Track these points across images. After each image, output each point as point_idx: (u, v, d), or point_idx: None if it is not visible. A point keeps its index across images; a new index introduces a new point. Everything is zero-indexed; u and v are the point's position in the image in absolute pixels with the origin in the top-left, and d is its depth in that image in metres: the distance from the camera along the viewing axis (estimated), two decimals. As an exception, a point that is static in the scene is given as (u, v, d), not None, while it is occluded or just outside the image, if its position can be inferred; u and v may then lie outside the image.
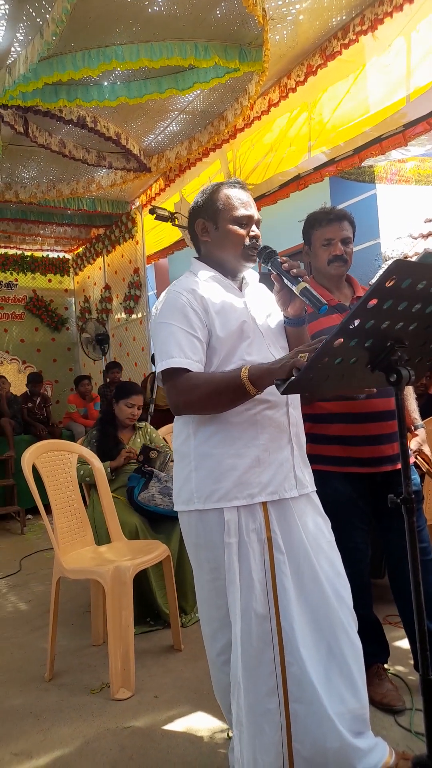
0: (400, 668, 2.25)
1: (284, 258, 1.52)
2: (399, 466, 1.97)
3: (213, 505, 1.48)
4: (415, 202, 5.79)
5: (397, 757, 1.60)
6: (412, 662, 2.23)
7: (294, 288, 1.47)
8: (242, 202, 1.60)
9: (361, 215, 5.47)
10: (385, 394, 1.99)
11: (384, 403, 1.99)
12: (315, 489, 1.63)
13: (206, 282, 1.58)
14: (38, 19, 3.21)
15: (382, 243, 5.54)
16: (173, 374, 1.47)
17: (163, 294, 1.58)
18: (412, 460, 2.20)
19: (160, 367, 1.49)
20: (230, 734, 1.66)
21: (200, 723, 2.01)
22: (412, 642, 2.09)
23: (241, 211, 1.58)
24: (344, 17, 3.55)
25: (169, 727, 2.00)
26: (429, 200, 5.84)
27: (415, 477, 2.11)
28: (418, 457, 2.24)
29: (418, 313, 1.28)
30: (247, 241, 1.58)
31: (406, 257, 5.18)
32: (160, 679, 2.33)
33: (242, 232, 1.58)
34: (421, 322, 1.32)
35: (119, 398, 3.19)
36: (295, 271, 1.48)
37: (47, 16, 3.05)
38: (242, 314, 1.55)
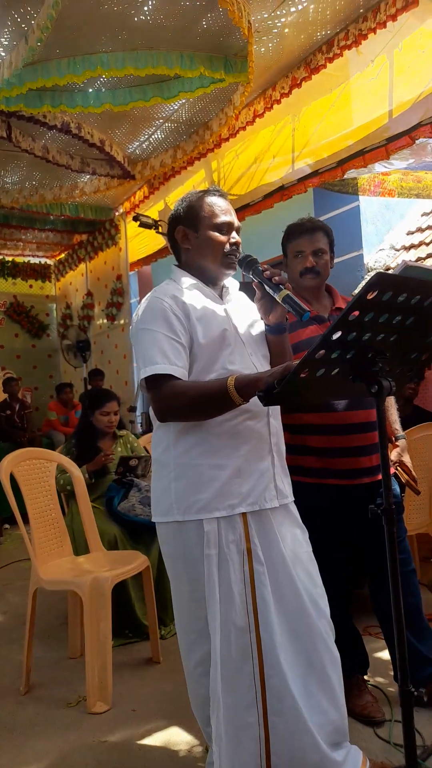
0: (379, 679, 2.24)
1: (266, 266, 1.52)
2: (378, 477, 1.99)
3: (193, 517, 1.47)
4: (398, 215, 5.86)
5: (375, 766, 1.60)
6: (392, 673, 2.23)
7: (276, 296, 1.47)
8: (222, 209, 1.60)
9: (344, 227, 5.52)
10: (364, 405, 1.99)
11: (362, 414, 2.00)
12: (294, 499, 1.63)
13: (187, 289, 1.57)
14: (23, 25, 3.20)
15: (364, 254, 5.59)
16: (158, 381, 1.45)
17: (143, 300, 1.58)
18: (392, 470, 2.21)
19: (143, 373, 1.47)
20: (208, 747, 1.64)
21: (178, 736, 1.99)
22: (392, 653, 2.09)
23: (222, 218, 1.59)
24: (329, 32, 3.60)
25: (146, 740, 1.97)
26: (411, 213, 5.92)
27: (396, 487, 2.12)
28: (399, 468, 2.25)
29: (398, 325, 1.29)
30: (227, 247, 1.59)
31: (388, 269, 5.24)
32: (138, 692, 2.30)
33: (223, 238, 1.59)
34: (402, 333, 1.33)
35: (93, 408, 3.16)
36: (276, 278, 1.48)
37: (32, 22, 3.05)
38: (223, 322, 1.55)
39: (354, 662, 2.06)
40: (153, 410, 1.50)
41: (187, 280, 1.60)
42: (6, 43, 3.34)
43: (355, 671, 2.06)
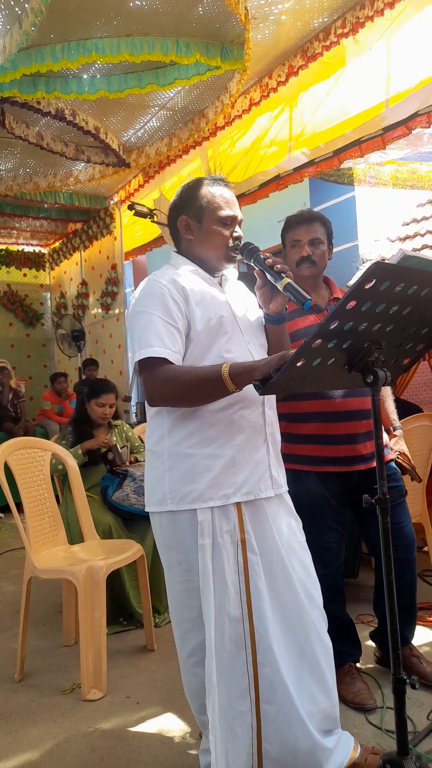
0: (371, 666, 2.27)
1: (267, 254, 1.51)
2: (373, 464, 2.00)
3: (187, 506, 1.46)
4: (393, 205, 5.86)
5: (366, 752, 1.61)
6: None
7: (277, 284, 1.46)
8: (227, 201, 1.58)
9: (340, 217, 5.51)
10: (360, 393, 2.00)
11: (358, 402, 2.01)
12: (288, 489, 1.64)
13: (187, 274, 1.56)
14: (17, 9, 3.15)
15: (360, 245, 5.59)
16: (151, 364, 1.44)
17: (142, 283, 1.56)
18: (391, 456, 2.21)
19: (138, 356, 1.46)
20: (201, 735, 1.66)
21: (172, 723, 2.00)
22: (378, 633, 2.12)
23: (226, 212, 1.57)
24: (326, 19, 3.57)
25: (140, 727, 1.99)
26: (407, 204, 5.91)
27: (397, 471, 2.13)
28: (399, 457, 2.26)
29: (394, 315, 1.29)
30: (230, 242, 1.57)
31: (384, 260, 5.24)
32: (133, 680, 2.31)
33: (226, 232, 1.57)
34: (398, 323, 1.33)
35: (90, 398, 3.16)
36: (278, 266, 1.46)
37: (26, 5, 3.00)
38: (222, 308, 1.54)
39: (347, 650, 2.08)
40: (144, 393, 1.49)
41: (187, 267, 1.59)
42: (-1, 27, 3.29)
43: (347, 659, 2.08)
